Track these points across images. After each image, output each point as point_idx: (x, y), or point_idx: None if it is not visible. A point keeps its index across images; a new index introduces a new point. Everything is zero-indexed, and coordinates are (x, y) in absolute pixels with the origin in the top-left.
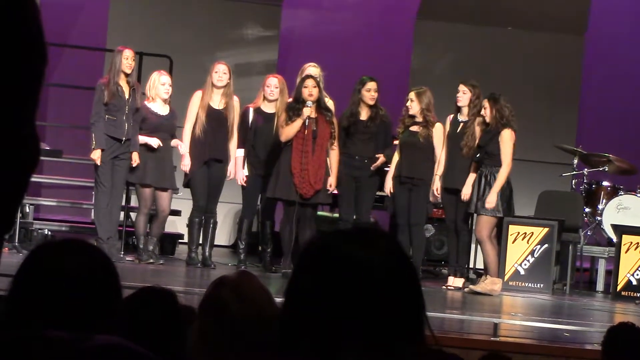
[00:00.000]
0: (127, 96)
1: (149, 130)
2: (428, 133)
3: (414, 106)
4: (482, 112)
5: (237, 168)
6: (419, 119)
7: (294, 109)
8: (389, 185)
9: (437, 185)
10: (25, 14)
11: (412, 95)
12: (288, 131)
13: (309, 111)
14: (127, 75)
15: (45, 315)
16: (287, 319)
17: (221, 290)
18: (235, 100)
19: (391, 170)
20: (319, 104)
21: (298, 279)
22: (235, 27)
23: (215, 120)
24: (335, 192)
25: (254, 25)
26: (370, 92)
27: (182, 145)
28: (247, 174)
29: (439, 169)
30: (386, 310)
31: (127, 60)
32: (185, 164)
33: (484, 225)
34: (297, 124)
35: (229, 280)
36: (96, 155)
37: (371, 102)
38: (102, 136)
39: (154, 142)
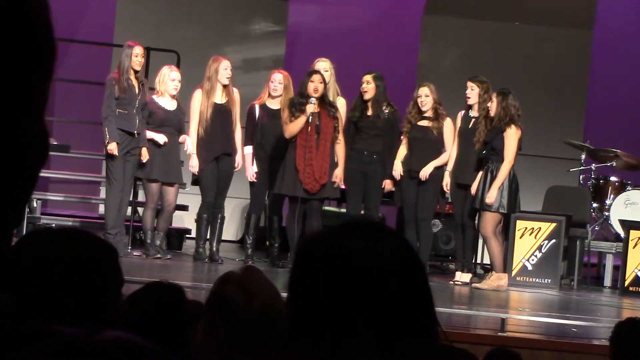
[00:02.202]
0: (136, 91)
1: (155, 125)
2: (440, 126)
3: (428, 101)
4: (489, 105)
5: (247, 165)
6: (430, 113)
7: (297, 104)
8: (398, 170)
9: (447, 180)
10: (35, 10)
11: (425, 90)
12: (291, 128)
13: (312, 108)
14: (136, 72)
15: (36, 305)
16: (292, 315)
17: (226, 286)
18: (235, 91)
19: (398, 157)
20: (322, 99)
21: (301, 275)
22: (243, 22)
23: (222, 115)
24: (343, 186)
25: (261, 20)
26: (363, 84)
27: (189, 144)
28: (256, 170)
29: (449, 165)
30: (392, 308)
31: (137, 57)
32: (193, 165)
33: (488, 221)
34: (300, 121)
35: (234, 276)
36: (112, 147)
37: (364, 95)
38: (115, 130)
39: (161, 138)
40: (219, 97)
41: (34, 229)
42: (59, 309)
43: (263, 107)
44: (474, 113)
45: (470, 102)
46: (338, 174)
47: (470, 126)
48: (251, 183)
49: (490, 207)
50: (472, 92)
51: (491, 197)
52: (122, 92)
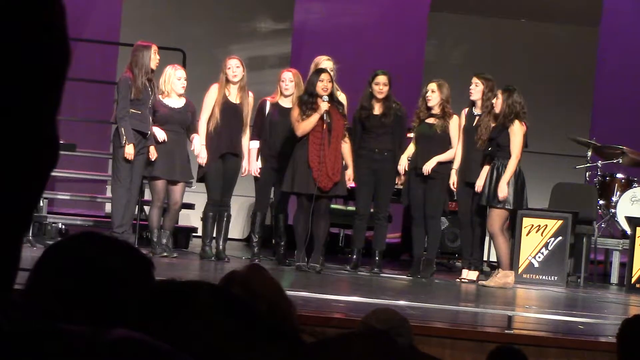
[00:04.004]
0: (150, 90)
1: (159, 123)
2: (445, 124)
3: (434, 97)
4: (494, 101)
5: (251, 160)
6: (437, 110)
7: (307, 103)
8: (403, 164)
9: (453, 179)
10: (54, 13)
11: (433, 86)
12: (305, 126)
13: (326, 105)
14: (152, 71)
15: (60, 308)
16: None
17: (231, 286)
18: (250, 95)
19: (406, 153)
20: (332, 98)
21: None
22: (248, 20)
23: (232, 114)
24: (352, 184)
25: (267, 18)
26: (379, 85)
27: (196, 144)
28: (260, 166)
29: (455, 163)
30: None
31: (155, 55)
32: (203, 157)
33: (495, 218)
34: (314, 118)
35: (238, 275)
36: (130, 150)
37: (380, 96)
38: (131, 131)
39: (160, 135)
40: (233, 97)
41: (82, 232)
42: (85, 316)
43: (275, 104)
44: (477, 110)
45: (472, 97)
46: (349, 173)
47: (474, 124)
48: (256, 179)
49: (498, 204)
50: (476, 89)
51: (502, 191)
52: (139, 94)
